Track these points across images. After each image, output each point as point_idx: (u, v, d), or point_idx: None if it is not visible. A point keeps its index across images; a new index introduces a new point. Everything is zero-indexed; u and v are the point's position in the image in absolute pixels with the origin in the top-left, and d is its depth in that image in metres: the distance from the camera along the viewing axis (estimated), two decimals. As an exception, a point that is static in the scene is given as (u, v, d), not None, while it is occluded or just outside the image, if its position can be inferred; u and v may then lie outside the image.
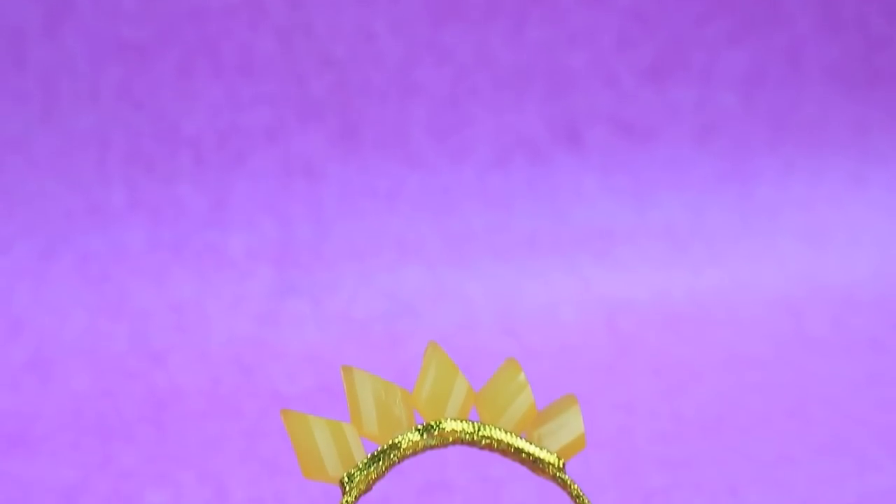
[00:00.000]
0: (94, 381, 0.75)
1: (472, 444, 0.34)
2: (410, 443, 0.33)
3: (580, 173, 0.89)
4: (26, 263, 0.80)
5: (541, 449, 0.34)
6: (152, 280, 0.81)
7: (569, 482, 0.34)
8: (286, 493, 0.62)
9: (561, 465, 0.34)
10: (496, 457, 0.35)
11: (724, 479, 0.64)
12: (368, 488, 0.34)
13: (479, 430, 0.34)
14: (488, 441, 0.34)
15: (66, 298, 0.79)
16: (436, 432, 0.34)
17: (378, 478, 0.34)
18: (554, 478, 0.34)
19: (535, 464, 0.34)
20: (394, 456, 0.33)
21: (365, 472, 0.33)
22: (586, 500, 0.34)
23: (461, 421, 0.34)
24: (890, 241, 0.90)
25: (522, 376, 0.35)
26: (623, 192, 0.89)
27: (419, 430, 0.34)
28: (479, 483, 0.63)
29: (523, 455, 0.34)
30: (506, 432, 0.34)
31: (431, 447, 0.34)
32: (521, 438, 0.34)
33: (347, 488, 0.33)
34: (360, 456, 0.33)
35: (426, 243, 0.86)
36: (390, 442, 0.33)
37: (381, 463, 0.33)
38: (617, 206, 0.89)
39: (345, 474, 0.33)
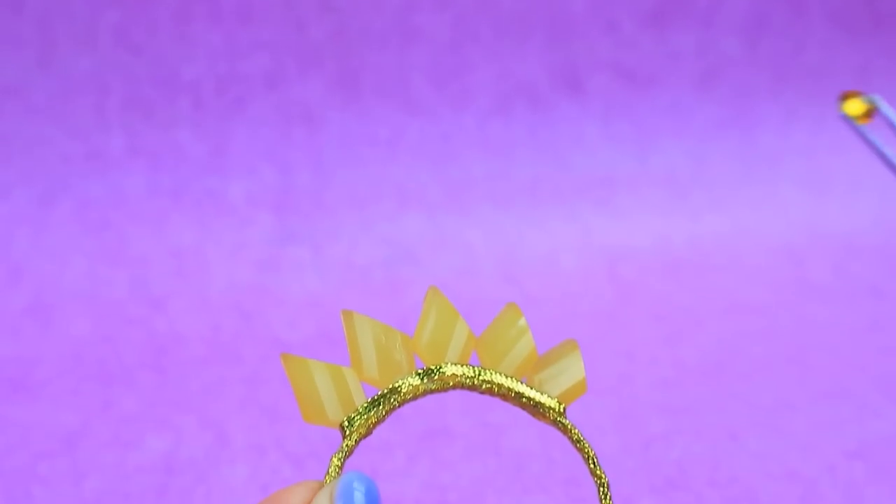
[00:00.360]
0: (95, 327, 0.74)
1: (472, 388, 0.34)
2: (411, 387, 0.33)
3: (581, 120, 0.88)
4: (25, 209, 0.80)
5: (541, 394, 0.34)
6: (152, 226, 0.80)
7: (569, 427, 0.34)
8: (286, 438, 0.62)
9: (561, 410, 0.34)
10: (497, 402, 0.35)
11: (724, 424, 0.64)
12: (369, 432, 0.33)
13: (479, 374, 0.33)
14: (489, 385, 0.34)
15: (65, 244, 0.79)
16: (436, 377, 0.33)
17: (378, 422, 0.33)
18: (554, 423, 0.34)
19: (535, 409, 0.34)
20: (394, 400, 0.33)
21: (365, 416, 0.33)
22: (587, 445, 0.34)
23: (461, 365, 0.33)
24: (891, 188, 0.89)
25: (523, 321, 0.34)
26: (624, 139, 0.88)
27: (419, 374, 0.33)
28: (480, 429, 0.63)
29: (524, 400, 0.34)
30: (506, 377, 0.34)
31: (432, 391, 0.34)
32: (521, 383, 0.34)
33: (348, 432, 0.33)
34: (361, 400, 0.33)
35: (426, 190, 0.85)
36: (390, 386, 0.33)
37: (381, 407, 0.33)
38: (618, 154, 0.88)
39: (345, 418, 0.33)
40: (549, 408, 0.34)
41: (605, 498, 0.34)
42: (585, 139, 0.88)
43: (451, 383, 0.34)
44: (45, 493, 0.57)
